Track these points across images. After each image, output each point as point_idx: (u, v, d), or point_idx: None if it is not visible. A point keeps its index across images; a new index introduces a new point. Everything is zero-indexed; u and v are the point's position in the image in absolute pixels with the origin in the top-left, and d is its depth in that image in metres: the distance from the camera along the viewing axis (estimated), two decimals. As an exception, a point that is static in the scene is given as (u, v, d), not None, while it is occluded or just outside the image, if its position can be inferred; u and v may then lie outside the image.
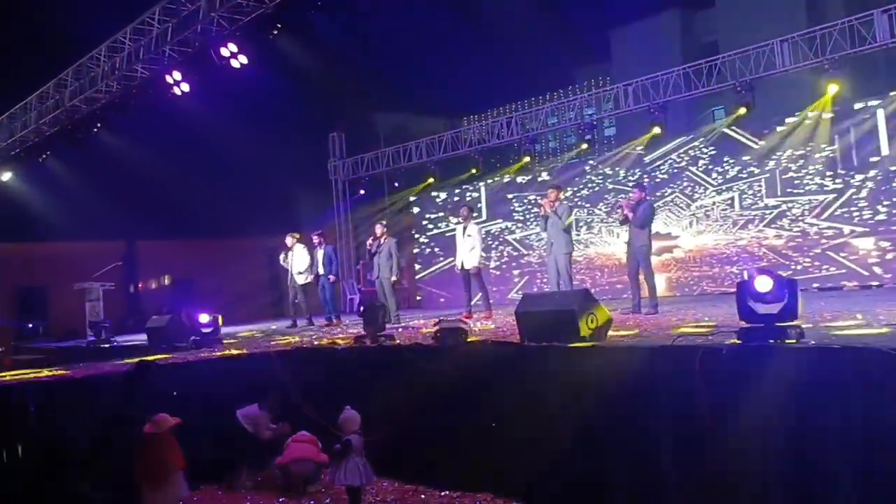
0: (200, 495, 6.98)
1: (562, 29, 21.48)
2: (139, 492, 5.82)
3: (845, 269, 12.45)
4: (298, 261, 12.73)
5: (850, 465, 4.47)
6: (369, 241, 12.08)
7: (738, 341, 5.31)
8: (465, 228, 11.15)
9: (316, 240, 12.82)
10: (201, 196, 20.35)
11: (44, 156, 18.25)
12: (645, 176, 14.92)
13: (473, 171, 16.79)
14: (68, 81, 15.99)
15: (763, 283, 5.28)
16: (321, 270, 12.58)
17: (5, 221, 19.43)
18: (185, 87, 14.17)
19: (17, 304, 20.56)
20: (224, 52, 13.08)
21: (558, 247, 10.10)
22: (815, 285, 12.46)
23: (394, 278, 11.74)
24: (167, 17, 13.59)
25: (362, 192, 19.03)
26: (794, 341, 5.08)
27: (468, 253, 11.02)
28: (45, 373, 7.76)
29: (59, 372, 7.71)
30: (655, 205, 14.35)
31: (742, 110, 12.99)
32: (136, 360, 7.77)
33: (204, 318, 9.97)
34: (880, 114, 12.05)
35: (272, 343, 9.71)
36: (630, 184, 14.86)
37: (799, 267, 12.78)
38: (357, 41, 18.59)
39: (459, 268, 11.18)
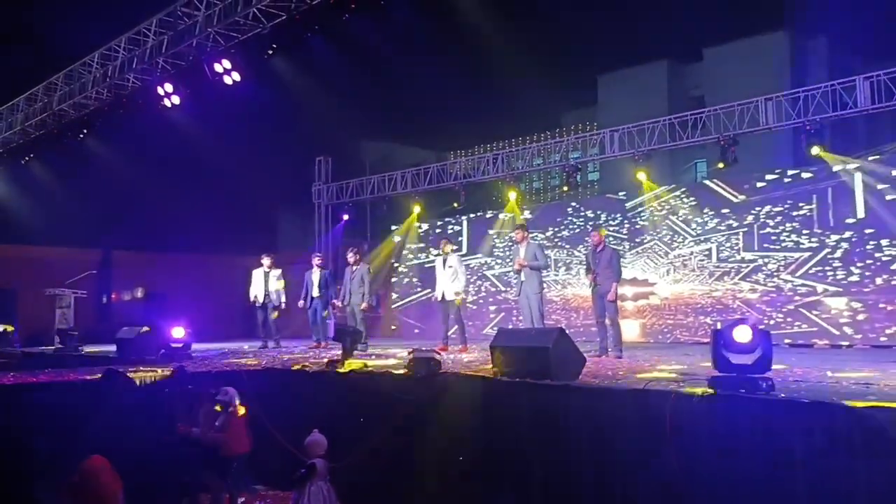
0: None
1: (551, 72, 21.81)
2: None
3: (817, 327, 12.60)
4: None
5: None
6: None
7: (710, 389, 5.37)
8: (444, 260, 11.17)
9: (317, 261, 12.79)
10: (181, 210, 20.25)
11: (27, 158, 18.08)
12: (626, 222, 15.08)
13: (455, 204, 16.84)
14: (58, 85, 15.94)
15: (742, 334, 5.35)
16: (316, 293, 12.50)
17: (-20, 222, 19.18)
18: (176, 99, 14.17)
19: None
20: (217, 67, 13.12)
21: (529, 286, 10.15)
22: (787, 341, 12.58)
23: (363, 305, 11.74)
24: (163, 29, 13.64)
25: (346, 217, 19.03)
26: (763, 393, 5.14)
27: (450, 283, 11.03)
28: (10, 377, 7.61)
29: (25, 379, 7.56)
30: (635, 250, 14.59)
31: (720, 165, 13.15)
32: (105, 368, 7.66)
33: (177, 332, 9.89)
34: (857, 177, 12.31)
35: (243, 362, 9.61)
36: (611, 227, 15.03)
37: (772, 322, 12.91)
38: (350, 69, 18.71)
39: (439, 299, 11.17)
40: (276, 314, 12.38)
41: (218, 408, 6.90)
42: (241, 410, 6.93)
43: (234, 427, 6.75)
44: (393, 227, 19.49)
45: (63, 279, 15.57)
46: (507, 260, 16.86)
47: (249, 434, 6.91)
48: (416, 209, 17.79)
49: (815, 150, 12.19)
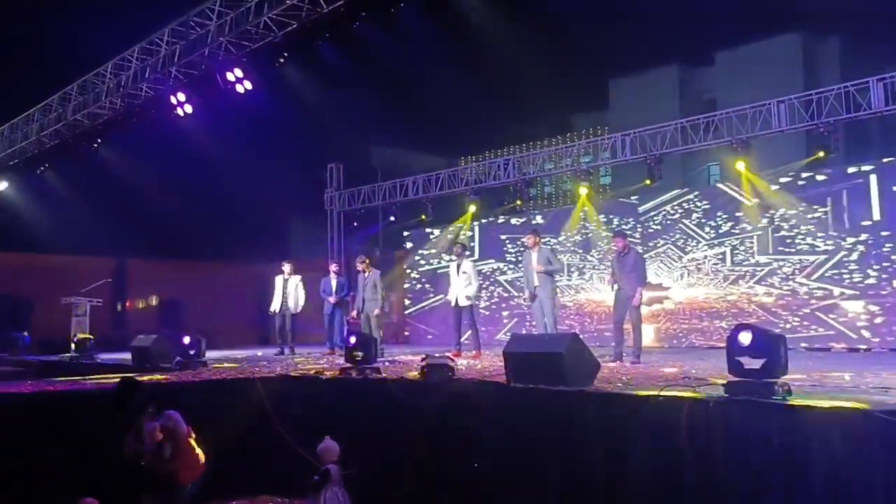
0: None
1: (562, 76, 21.81)
2: None
3: (833, 331, 12.50)
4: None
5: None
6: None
7: (726, 395, 5.33)
8: (458, 266, 11.16)
9: (334, 268, 12.89)
10: (195, 218, 20.39)
11: (42, 168, 18.25)
12: (638, 226, 15.02)
13: (472, 208, 16.76)
14: (72, 96, 16.07)
15: (745, 338, 5.32)
16: (333, 300, 12.54)
17: (-2, 231, 19.39)
18: (189, 108, 14.25)
19: (0, 314, 20.36)
20: (230, 76, 13.18)
21: (543, 291, 10.10)
22: (804, 345, 12.49)
23: (377, 311, 11.68)
24: (175, 39, 13.73)
25: (355, 223, 19.07)
26: (780, 398, 5.09)
27: (463, 289, 11.02)
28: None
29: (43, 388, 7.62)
30: (649, 254, 14.50)
31: (741, 165, 13.00)
32: (121, 376, 7.68)
33: (188, 340, 9.93)
34: (872, 179, 12.21)
35: (257, 368, 9.63)
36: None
37: (788, 325, 12.82)
38: (361, 75, 18.80)
39: (453, 304, 11.16)
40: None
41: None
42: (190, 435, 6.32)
43: (184, 453, 6.27)
44: (405, 233, 19.53)
45: (78, 287, 15.66)
46: (520, 265, 16.84)
47: (201, 456, 6.36)
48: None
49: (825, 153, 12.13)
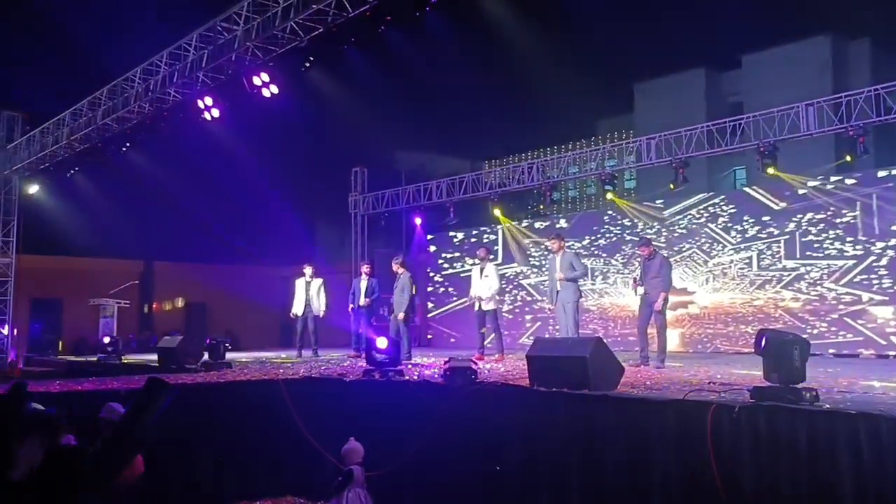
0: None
1: (586, 80, 21.71)
2: None
3: (862, 337, 12.30)
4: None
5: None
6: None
7: (752, 400, 5.27)
8: (482, 269, 11.15)
9: (365, 269, 12.76)
10: (221, 221, 20.62)
11: (72, 171, 18.56)
12: (663, 230, 14.90)
13: (497, 212, 16.73)
14: (102, 100, 16.31)
15: (762, 342, 5.28)
16: (362, 301, 12.43)
17: (28, 234, 19.74)
18: (216, 112, 14.40)
19: (31, 316, 20.76)
20: (256, 80, 13.31)
21: (566, 295, 10.03)
22: (831, 351, 12.32)
23: (400, 315, 11.56)
24: (203, 44, 13.88)
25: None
26: (808, 404, 5.03)
27: (486, 292, 11.00)
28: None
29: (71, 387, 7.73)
30: (673, 259, 14.38)
31: (770, 170, 12.80)
32: (149, 377, 7.77)
33: (212, 341, 10.04)
34: (903, 183, 12.02)
35: (281, 370, 9.70)
36: (648, 236, 14.85)
37: (815, 331, 12.64)
38: (386, 80, 18.87)
39: (477, 308, 11.14)
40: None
41: None
42: None
43: None
44: (429, 237, 19.55)
45: (107, 289, 15.90)
46: (544, 269, 16.79)
47: (139, 460, 5.72)
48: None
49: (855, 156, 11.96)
